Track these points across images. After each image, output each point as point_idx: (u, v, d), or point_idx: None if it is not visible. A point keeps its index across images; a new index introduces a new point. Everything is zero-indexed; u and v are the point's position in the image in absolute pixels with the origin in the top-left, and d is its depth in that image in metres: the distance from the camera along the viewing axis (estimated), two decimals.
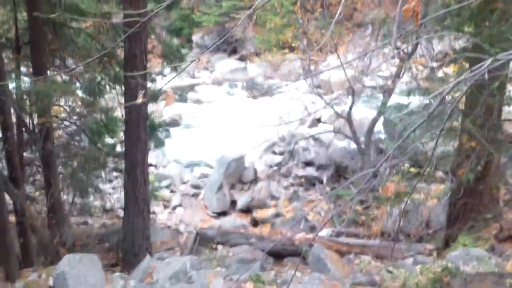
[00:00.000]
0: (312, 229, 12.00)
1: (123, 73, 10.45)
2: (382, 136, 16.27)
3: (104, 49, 11.50)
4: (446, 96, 8.21)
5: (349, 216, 12.07)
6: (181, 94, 22.57)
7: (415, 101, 10.02)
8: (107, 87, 11.73)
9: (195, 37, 29.14)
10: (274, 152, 17.07)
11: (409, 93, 9.83)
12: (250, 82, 24.92)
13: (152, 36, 13.21)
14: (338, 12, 3.51)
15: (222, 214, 14.31)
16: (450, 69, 9.98)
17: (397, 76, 14.82)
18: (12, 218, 9.67)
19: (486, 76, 3.54)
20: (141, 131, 10.06)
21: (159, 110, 15.42)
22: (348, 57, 20.89)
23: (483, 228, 9.71)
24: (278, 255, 10.49)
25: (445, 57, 15.97)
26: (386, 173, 12.95)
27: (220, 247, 10.76)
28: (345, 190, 12.73)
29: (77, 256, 7.07)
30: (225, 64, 27.14)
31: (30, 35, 10.49)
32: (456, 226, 9.96)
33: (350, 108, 14.86)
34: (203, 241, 11.11)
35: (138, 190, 9.97)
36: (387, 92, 14.87)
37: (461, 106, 9.46)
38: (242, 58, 27.71)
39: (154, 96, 12.92)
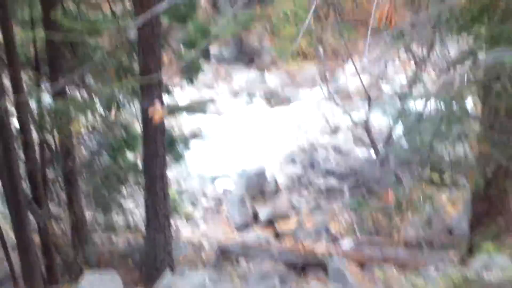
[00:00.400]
0: (334, 239, 11.99)
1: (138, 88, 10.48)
2: (403, 142, 16.18)
3: (120, 65, 11.66)
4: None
5: (369, 224, 12.07)
6: (200, 106, 22.60)
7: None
8: (126, 102, 11.80)
9: (213, 49, 29.24)
10: (294, 163, 17.07)
11: (415, 98, 9.85)
12: (268, 91, 24.93)
13: (168, 49, 13.32)
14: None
15: (244, 227, 14.29)
16: None
17: (412, 81, 14.75)
18: (37, 237, 9.82)
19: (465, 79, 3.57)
20: (159, 146, 10.08)
21: (178, 123, 15.51)
22: (364, 62, 20.87)
23: (507, 235, 9.63)
24: (300, 268, 10.48)
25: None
26: (407, 180, 12.90)
27: (241, 260, 10.78)
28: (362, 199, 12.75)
29: (98, 274, 7.16)
30: (243, 75, 27.18)
31: (48, 54, 10.65)
32: (479, 232, 9.88)
33: (367, 115, 14.84)
34: (225, 255, 11.14)
35: (158, 206, 10.01)
36: (403, 97, 14.80)
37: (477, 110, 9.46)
38: (259, 68, 27.75)
39: (171, 111, 13.02)
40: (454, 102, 10.14)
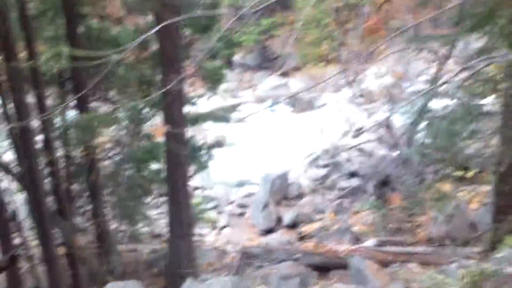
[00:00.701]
0: (357, 240, 12.01)
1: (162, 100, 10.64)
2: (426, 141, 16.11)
3: (143, 78, 11.87)
4: None
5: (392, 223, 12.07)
6: (224, 114, 22.78)
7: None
8: (149, 114, 12.00)
9: (236, 57, 29.45)
10: (318, 166, 17.13)
11: (437, 96, 9.88)
12: (292, 97, 25.02)
13: (191, 60, 13.50)
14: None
15: (269, 231, 14.39)
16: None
17: (435, 79, 14.69)
18: (63, 249, 10.08)
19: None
20: (181, 156, 10.23)
21: (202, 132, 15.75)
22: (387, 64, 20.90)
23: None
24: (323, 269, 10.54)
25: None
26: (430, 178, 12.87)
27: (265, 264, 10.87)
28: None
29: (120, 283, 7.33)
30: (267, 82, 27.35)
31: (71, 70, 10.91)
32: (502, 226, 9.83)
33: (390, 115, 14.85)
34: (248, 259, 11.24)
35: (182, 215, 10.18)
36: (425, 96, 14.75)
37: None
38: (283, 74, 27.86)
39: (195, 120, 13.19)
40: (471, 101, 10.19)
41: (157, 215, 13.17)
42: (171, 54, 9.69)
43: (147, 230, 12.59)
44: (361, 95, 21.67)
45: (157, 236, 13.14)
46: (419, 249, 10.69)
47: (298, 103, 24.12)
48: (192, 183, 12.79)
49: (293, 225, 14.38)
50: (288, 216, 14.62)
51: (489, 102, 10.16)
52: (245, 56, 29.92)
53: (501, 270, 7.02)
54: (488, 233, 10.43)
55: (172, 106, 10.05)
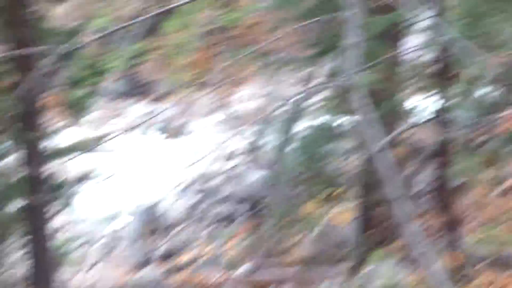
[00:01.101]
0: (232, 266, 11.94)
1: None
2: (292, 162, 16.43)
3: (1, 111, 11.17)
4: None
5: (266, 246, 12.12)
6: (88, 145, 21.93)
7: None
8: (8, 148, 11.32)
9: (105, 84, 28.71)
10: (190, 193, 16.93)
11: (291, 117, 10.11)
12: (164, 123, 24.74)
13: (52, 90, 12.93)
14: None
15: (143, 264, 13.94)
16: None
17: (302, 99, 15.04)
18: None
19: None
20: (39, 194, 9.79)
21: (65, 167, 15.06)
22: (258, 85, 21.21)
23: (393, 242, 9.92)
24: None
25: None
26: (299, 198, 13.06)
27: None
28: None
29: None
30: (137, 109, 26.87)
31: None
32: (368, 242, 10.13)
33: (260, 137, 15.00)
34: None
35: (40, 258, 9.65)
36: (293, 116, 15.05)
37: None
38: (154, 100, 27.50)
39: (58, 153, 12.59)
40: (328, 121, 10.54)
41: (19, 258, 12.36)
42: (29, 84, 9.20)
43: (6, 275, 11.73)
44: (232, 118, 21.81)
45: (18, 282, 12.28)
46: (292, 270, 10.78)
47: (169, 129, 23.87)
48: (56, 221, 12.12)
49: (167, 256, 14.06)
50: (161, 247, 14.29)
51: (345, 121, 10.51)
52: (114, 83, 29.25)
53: (366, 285, 7.23)
54: (355, 250, 10.74)
55: (31, 139, 9.62)
